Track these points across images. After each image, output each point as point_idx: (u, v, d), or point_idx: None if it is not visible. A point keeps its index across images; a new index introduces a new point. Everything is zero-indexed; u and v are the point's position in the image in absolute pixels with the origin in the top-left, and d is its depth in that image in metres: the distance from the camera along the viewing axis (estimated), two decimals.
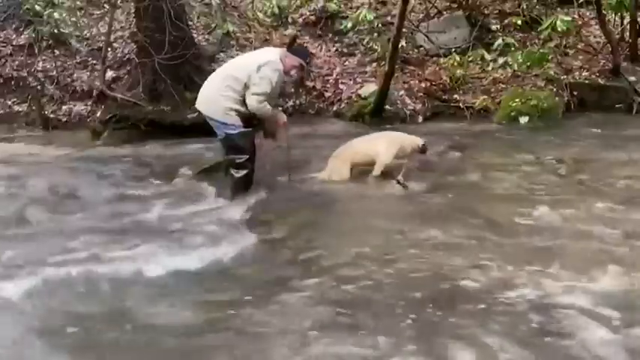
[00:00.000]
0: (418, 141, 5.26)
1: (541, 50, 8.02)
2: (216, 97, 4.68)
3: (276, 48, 5.13)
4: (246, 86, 4.59)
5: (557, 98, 7.62)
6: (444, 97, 7.93)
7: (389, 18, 8.81)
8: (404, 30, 7.67)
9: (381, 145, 5.13)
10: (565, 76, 7.95)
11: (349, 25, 8.66)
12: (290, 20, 9.15)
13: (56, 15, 8.46)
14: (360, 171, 5.16)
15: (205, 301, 3.26)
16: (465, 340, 2.66)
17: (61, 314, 3.08)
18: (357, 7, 9.06)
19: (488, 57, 8.27)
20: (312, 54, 8.51)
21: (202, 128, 5.17)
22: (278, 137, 5.03)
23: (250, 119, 4.79)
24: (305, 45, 8.27)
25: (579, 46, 8.65)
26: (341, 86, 8.19)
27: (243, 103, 4.64)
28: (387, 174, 5.06)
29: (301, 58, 4.79)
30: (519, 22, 8.60)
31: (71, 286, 3.36)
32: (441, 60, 8.42)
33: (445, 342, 2.66)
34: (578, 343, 2.62)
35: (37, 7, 8.63)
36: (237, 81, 4.61)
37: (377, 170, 5.08)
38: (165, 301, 3.24)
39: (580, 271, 3.28)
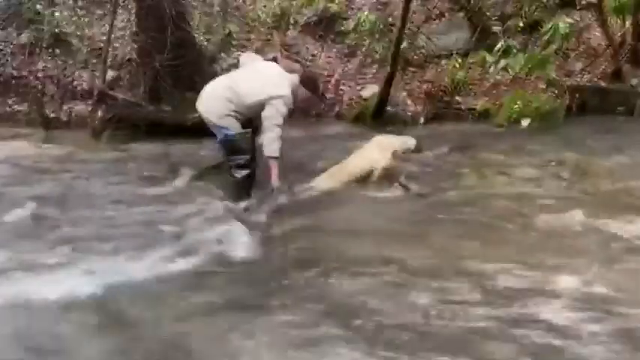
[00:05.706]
0: (410, 141, 5.20)
1: (542, 53, 8.03)
2: (214, 103, 4.70)
3: (287, 74, 4.77)
4: (249, 108, 4.62)
5: (558, 101, 7.61)
6: (445, 99, 7.93)
7: (390, 20, 8.80)
8: (405, 32, 7.66)
9: (374, 153, 5.11)
10: (566, 79, 7.95)
11: (350, 27, 8.67)
12: (292, 21, 9.14)
13: (57, 15, 8.46)
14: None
15: (204, 302, 3.25)
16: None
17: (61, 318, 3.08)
18: (359, 9, 9.07)
19: (489, 60, 8.26)
20: (313, 55, 8.54)
21: (203, 129, 5.15)
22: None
23: (250, 120, 4.77)
24: (306, 47, 8.23)
25: (580, 50, 8.65)
26: (342, 88, 8.18)
27: (240, 114, 4.66)
28: (389, 176, 5.05)
29: (312, 93, 4.88)
30: (521, 24, 8.60)
31: (69, 290, 3.35)
32: (442, 62, 8.42)
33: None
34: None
35: (38, 7, 8.62)
36: (239, 99, 4.62)
37: (376, 174, 5.06)
38: (162, 302, 3.24)
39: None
